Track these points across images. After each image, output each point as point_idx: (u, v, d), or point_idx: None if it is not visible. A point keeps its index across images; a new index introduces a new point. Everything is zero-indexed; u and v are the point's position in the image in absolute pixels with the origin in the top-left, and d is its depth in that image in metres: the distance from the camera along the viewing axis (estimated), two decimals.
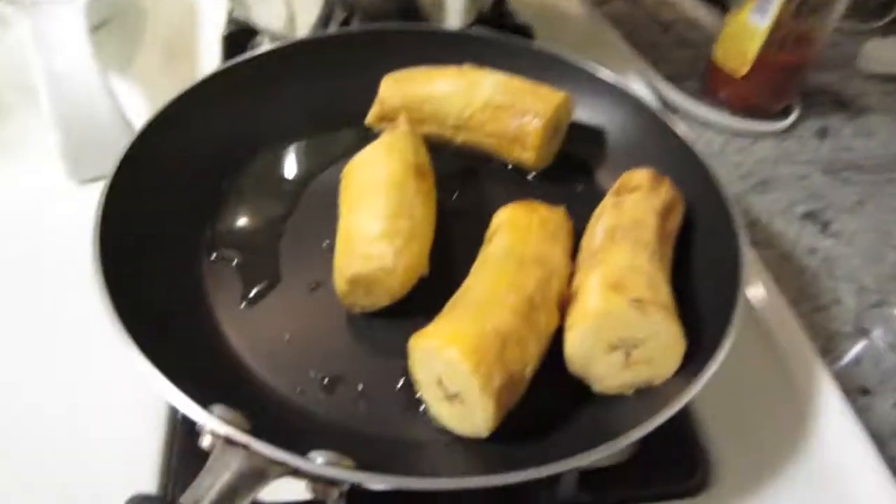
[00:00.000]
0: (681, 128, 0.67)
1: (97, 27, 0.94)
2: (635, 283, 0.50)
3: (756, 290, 0.68)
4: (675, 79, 0.98)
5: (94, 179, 0.72)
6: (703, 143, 0.91)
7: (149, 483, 0.51)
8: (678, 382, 0.51)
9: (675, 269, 0.58)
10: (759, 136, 0.92)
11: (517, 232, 0.56)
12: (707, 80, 0.97)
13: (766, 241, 0.79)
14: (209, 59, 0.89)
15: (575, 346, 0.51)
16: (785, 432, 0.59)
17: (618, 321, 0.49)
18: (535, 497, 0.52)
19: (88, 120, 0.71)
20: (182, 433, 0.53)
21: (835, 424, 0.59)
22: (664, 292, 0.51)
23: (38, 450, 0.53)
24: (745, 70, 0.90)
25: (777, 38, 0.85)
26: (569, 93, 0.69)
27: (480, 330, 0.47)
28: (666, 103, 0.94)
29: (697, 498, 0.54)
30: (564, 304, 0.53)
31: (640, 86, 0.92)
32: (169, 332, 0.52)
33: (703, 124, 0.93)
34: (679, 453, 0.56)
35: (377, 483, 0.42)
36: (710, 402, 0.59)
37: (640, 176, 0.61)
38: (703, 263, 0.60)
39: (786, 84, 0.92)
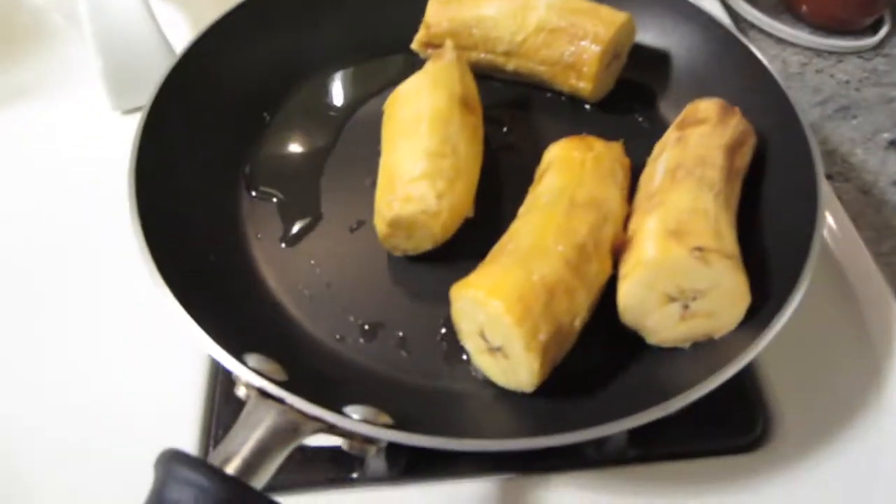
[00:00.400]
0: (755, 47, 0.61)
1: None
2: (697, 228, 0.46)
3: (829, 227, 0.63)
4: None
5: (137, 110, 0.70)
6: (780, 65, 0.83)
7: (191, 430, 0.50)
8: (740, 336, 0.48)
9: (743, 208, 0.54)
10: (843, 55, 0.84)
11: (569, 171, 0.52)
12: None
13: (843, 173, 0.73)
14: None
15: (628, 297, 0.47)
16: (855, 383, 0.55)
17: (676, 271, 0.45)
18: (581, 450, 0.50)
19: (130, 45, 0.68)
20: (224, 381, 0.52)
21: None
22: (729, 239, 0.47)
23: (81, 399, 0.53)
24: None
25: None
26: (631, 12, 0.63)
27: (526, 280, 0.44)
28: (739, 19, 0.87)
29: (755, 453, 0.51)
30: (619, 250, 0.50)
31: (710, 0, 0.84)
32: (206, 275, 0.51)
33: (780, 42, 0.85)
34: (736, 406, 0.53)
35: (413, 442, 0.40)
36: (773, 350, 0.53)
37: (707, 107, 0.56)
38: (775, 203, 0.55)
39: None
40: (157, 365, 0.54)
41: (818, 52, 0.84)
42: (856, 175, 0.73)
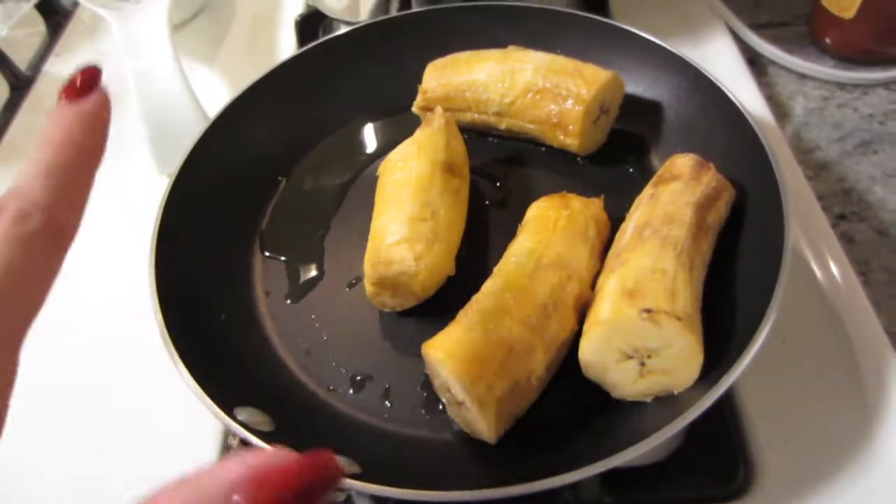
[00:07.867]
0: (739, 99, 0.62)
1: (190, 18, 1.00)
2: (652, 289, 0.48)
3: (827, 270, 0.63)
4: (778, 25, 0.90)
5: None
6: (801, 100, 0.83)
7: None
8: (700, 388, 0.49)
9: (722, 260, 0.55)
10: (867, 88, 0.83)
11: (541, 231, 0.55)
12: (812, 25, 0.88)
13: (859, 213, 0.72)
14: (287, 47, 0.92)
15: (588, 354, 0.50)
16: (844, 431, 0.54)
17: (627, 331, 0.47)
18: (559, 495, 0.53)
19: (171, 117, 0.76)
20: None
21: None
22: (685, 299, 0.48)
23: (105, 432, 0.58)
24: (852, 12, 0.80)
25: None
26: (622, 65, 0.65)
27: (484, 340, 0.48)
28: (758, 56, 0.86)
29: (736, 503, 0.52)
30: (584, 307, 0.52)
31: (726, 38, 0.84)
32: (215, 333, 0.57)
33: (801, 78, 0.85)
34: (717, 452, 0.54)
35: (371, 492, 0.44)
36: (758, 395, 0.55)
37: (683, 163, 0.58)
38: (746, 257, 0.56)
39: None
40: (178, 417, 0.58)
41: (841, 86, 0.83)
42: (872, 214, 0.72)
